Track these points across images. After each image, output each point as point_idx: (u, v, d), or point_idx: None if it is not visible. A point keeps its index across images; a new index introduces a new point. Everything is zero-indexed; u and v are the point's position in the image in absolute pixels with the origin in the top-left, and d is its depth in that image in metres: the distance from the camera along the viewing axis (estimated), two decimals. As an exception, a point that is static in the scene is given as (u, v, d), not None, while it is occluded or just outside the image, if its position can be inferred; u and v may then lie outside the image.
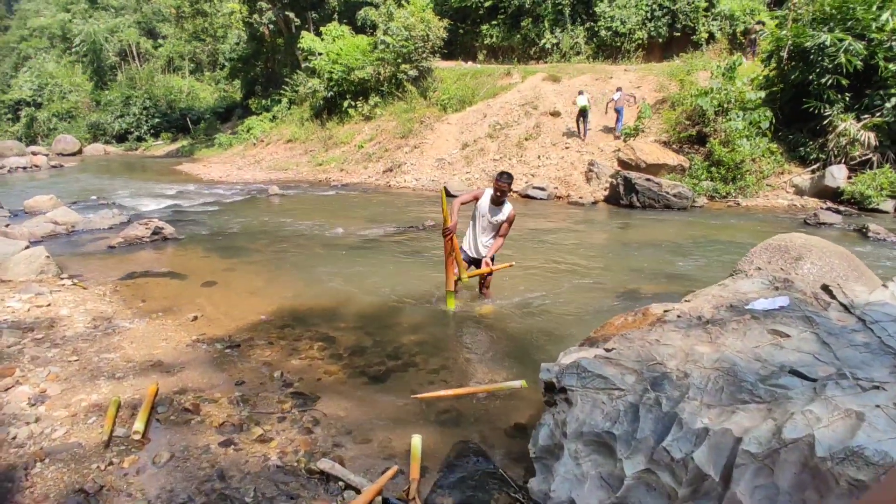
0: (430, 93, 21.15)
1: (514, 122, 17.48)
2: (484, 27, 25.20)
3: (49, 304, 4.74)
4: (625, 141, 14.54)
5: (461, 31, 25.57)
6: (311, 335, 4.39)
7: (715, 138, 13.26)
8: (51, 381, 3.34)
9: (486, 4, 24.30)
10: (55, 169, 23.26)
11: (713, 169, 13.01)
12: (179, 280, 5.96)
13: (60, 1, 48.95)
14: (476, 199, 4.87)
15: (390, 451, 2.86)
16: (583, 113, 15.27)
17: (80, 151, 33.11)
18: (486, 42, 25.46)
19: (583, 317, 5.02)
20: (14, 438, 2.69)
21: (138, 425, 2.83)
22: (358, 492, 2.40)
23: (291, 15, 29.14)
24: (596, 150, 15.05)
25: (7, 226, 8.61)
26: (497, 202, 4.68)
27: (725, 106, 13.45)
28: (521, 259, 7.16)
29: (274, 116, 27.22)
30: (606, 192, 12.91)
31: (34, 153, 27.36)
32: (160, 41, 44.53)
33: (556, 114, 17.23)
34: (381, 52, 21.85)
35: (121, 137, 36.75)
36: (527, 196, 13.29)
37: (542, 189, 13.24)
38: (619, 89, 15.24)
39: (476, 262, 5.05)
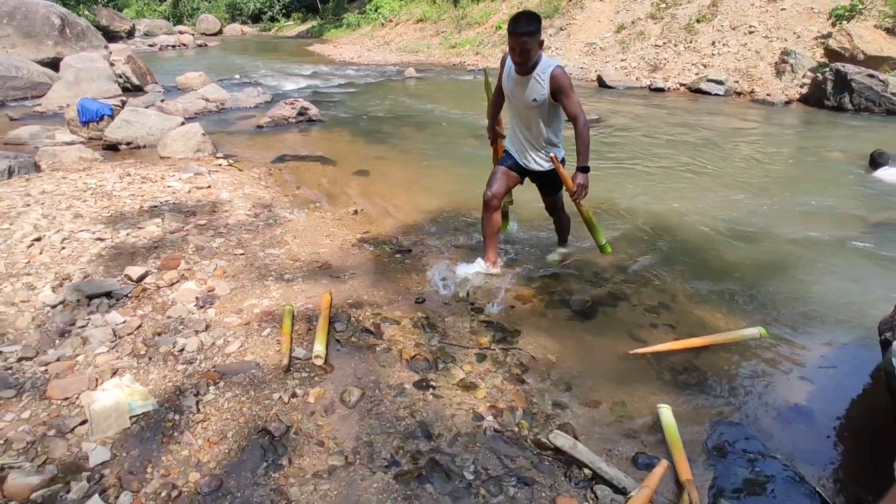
0: (581, -36, 18.30)
1: (683, -1, 14.63)
2: None
3: (209, 186, 4.46)
4: (834, 24, 11.53)
5: None
6: (488, 245, 3.68)
7: (971, 21, 10.03)
8: (218, 278, 2.98)
9: None
10: (200, 48, 24.05)
11: (961, 64, 9.98)
12: (331, 166, 5.50)
13: None
14: (501, 71, 2.98)
15: (629, 422, 2.14)
16: None
17: (220, 31, 34.12)
18: None
19: (819, 250, 3.85)
20: (182, 351, 2.32)
21: (319, 348, 2.34)
22: (619, 491, 1.72)
23: None
24: (790, 35, 12.17)
25: (162, 101, 8.69)
26: (523, 71, 2.77)
27: None
28: (694, 167, 5.84)
29: (403, -7, 25.64)
30: (805, 90, 10.46)
31: (181, 32, 28.58)
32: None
33: (738, -11, 14.09)
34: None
35: (255, 18, 37.22)
36: (698, 91, 11.19)
37: (720, 83, 11.05)
38: None
39: (528, 176, 3.19)
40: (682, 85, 11.86)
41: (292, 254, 3.35)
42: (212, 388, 2.12)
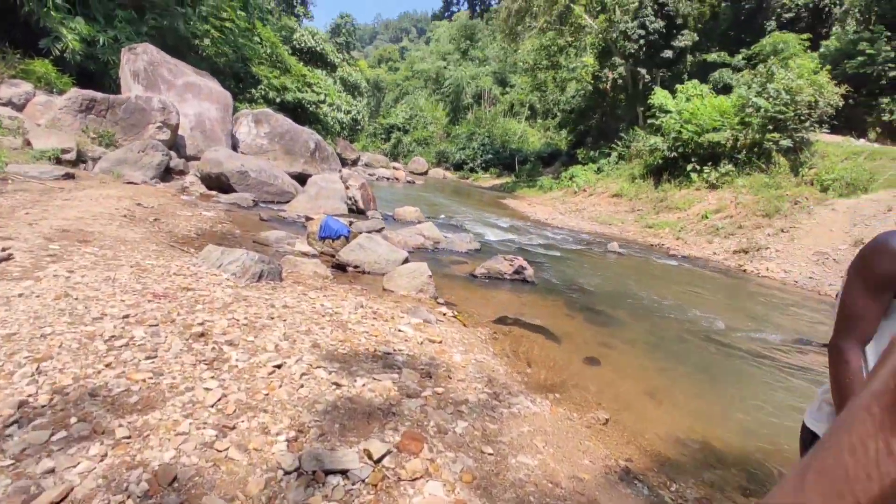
0: (805, 169, 17.29)
1: (944, 225, 12.60)
2: (885, 100, 20.39)
3: (441, 342, 4.08)
4: None
5: (850, 101, 20.74)
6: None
7: None
8: (466, 486, 2.34)
9: (893, 74, 19.49)
10: (409, 183, 27.06)
11: None
12: (556, 344, 4.90)
13: (440, 51, 59.33)
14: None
15: None
16: None
17: (426, 172, 38.67)
18: (883, 118, 20.49)
19: None
20: None
21: None
22: None
23: (643, 71, 28.34)
24: None
25: (382, 229, 9.25)
26: None
27: None
28: None
29: (600, 168, 26.64)
30: None
31: (395, 168, 32.79)
32: (507, 89, 49.48)
33: None
34: (747, 116, 19.00)
35: (458, 166, 41.71)
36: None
37: None
38: None
39: None
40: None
41: (548, 471, 2.62)
42: None
